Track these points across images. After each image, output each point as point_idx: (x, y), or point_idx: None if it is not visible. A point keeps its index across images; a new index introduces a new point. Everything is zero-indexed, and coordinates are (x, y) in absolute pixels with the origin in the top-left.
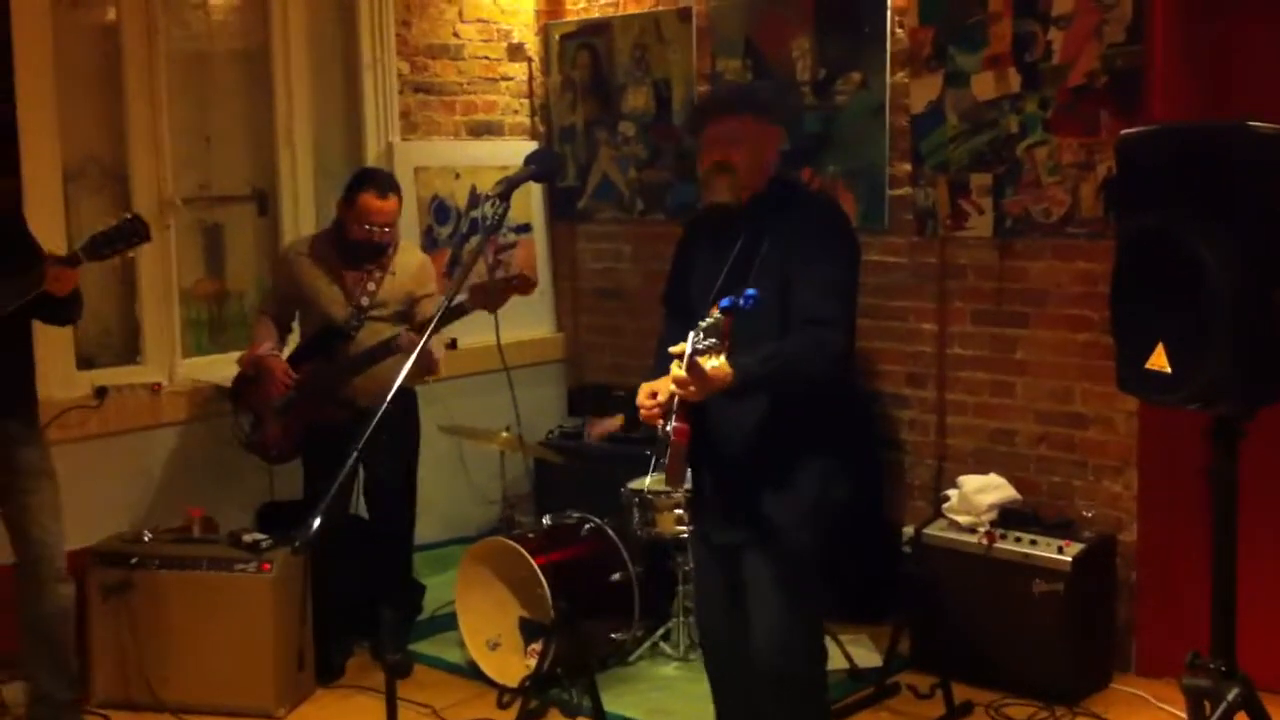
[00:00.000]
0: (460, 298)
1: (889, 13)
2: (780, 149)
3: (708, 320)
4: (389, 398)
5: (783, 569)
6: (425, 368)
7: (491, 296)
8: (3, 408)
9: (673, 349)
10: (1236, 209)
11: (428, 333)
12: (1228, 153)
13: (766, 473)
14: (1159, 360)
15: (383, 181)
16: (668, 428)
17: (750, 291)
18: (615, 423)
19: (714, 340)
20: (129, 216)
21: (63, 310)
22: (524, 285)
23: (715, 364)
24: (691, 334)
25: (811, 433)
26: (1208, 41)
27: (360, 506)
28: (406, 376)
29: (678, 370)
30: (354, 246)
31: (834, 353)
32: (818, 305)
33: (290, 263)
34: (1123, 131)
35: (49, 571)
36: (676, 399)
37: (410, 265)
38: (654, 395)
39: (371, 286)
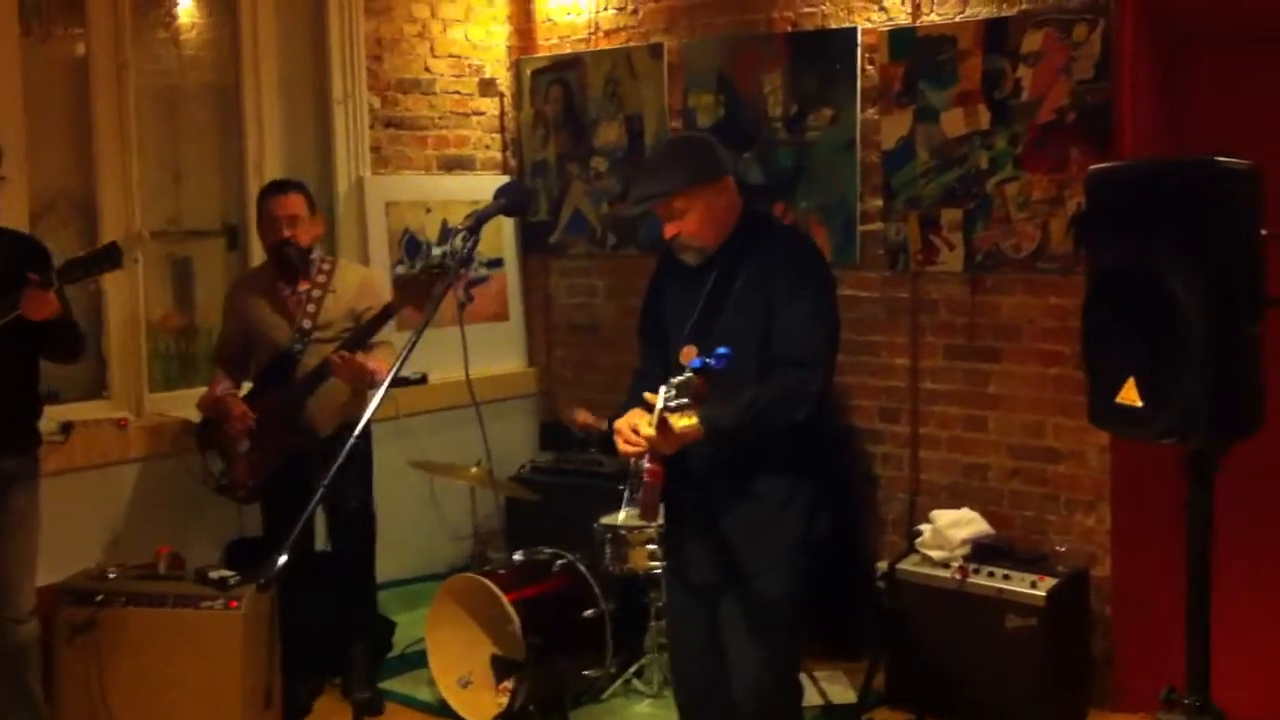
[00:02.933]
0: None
1: (860, 49)
2: (735, 190)
3: (679, 378)
4: (355, 434)
5: (764, 607)
6: (361, 381)
7: (419, 291)
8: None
9: (647, 395)
10: (1206, 243)
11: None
12: (1196, 187)
13: (745, 510)
14: (1130, 394)
15: (280, 182)
16: (643, 464)
17: (721, 350)
18: (600, 422)
19: (685, 400)
20: (109, 243)
21: (57, 341)
22: (457, 282)
23: (686, 423)
24: (663, 389)
25: (789, 468)
26: (1176, 77)
27: (325, 542)
28: (348, 391)
29: (647, 428)
30: (278, 257)
31: (813, 393)
32: (798, 343)
33: (234, 296)
34: (1092, 167)
35: (10, 614)
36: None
37: (350, 281)
38: (636, 430)
39: (312, 308)
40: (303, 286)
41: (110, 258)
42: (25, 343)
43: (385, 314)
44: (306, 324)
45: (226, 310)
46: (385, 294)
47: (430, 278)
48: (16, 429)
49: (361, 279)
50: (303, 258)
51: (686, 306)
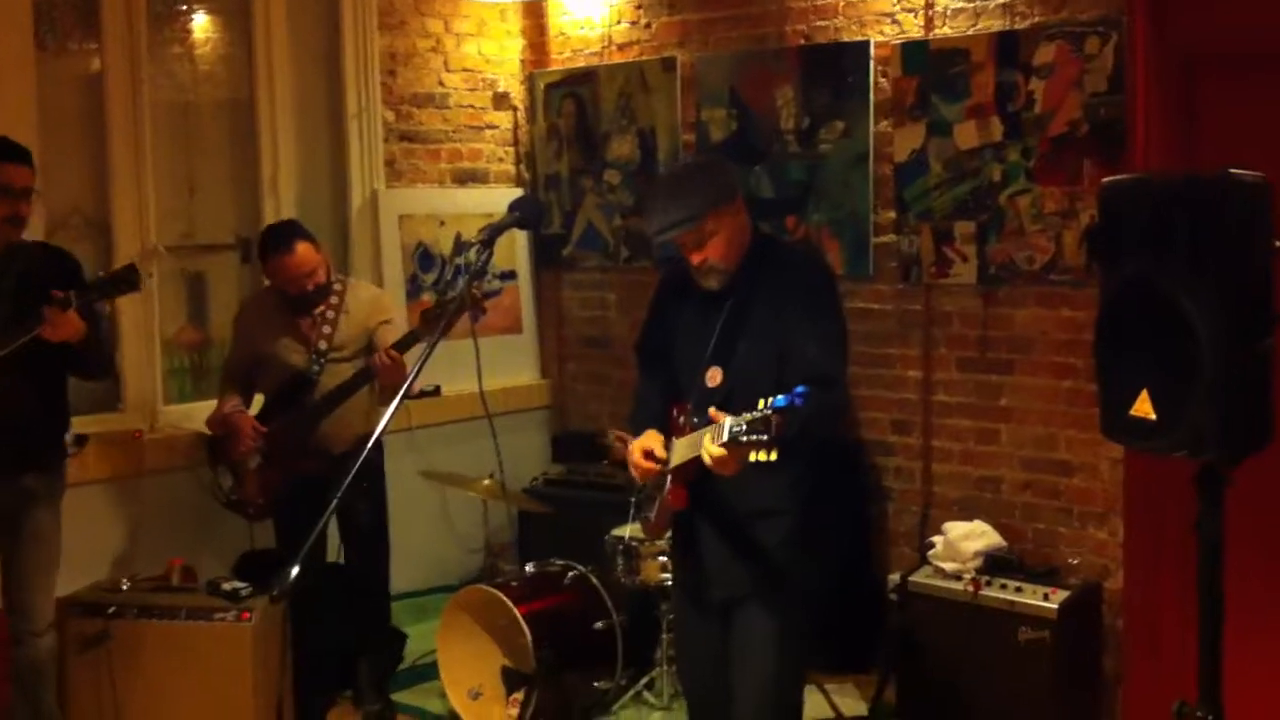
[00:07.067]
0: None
1: (872, 62)
2: (746, 211)
3: (754, 415)
4: (370, 443)
5: (776, 620)
6: (400, 382)
7: (442, 321)
8: (23, 462)
9: (714, 413)
10: (1219, 258)
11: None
12: (1210, 201)
13: (758, 524)
14: (1143, 407)
15: (280, 237)
16: (665, 489)
17: (800, 389)
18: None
19: (764, 436)
20: (127, 265)
21: (81, 360)
22: (474, 307)
23: (761, 457)
24: (730, 419)
25: (799, 487)
26: (1188, 91)
27: (339, 555)
28: (363, 411)
29: (714, 448)
30: (296, 300)
31: (844, 408)
32: (822, 362)
33: (245, 321)
34: (1105, 180)
35: (27, 627)
36: (681, 464)
37: (362, 301)
38: (649, 454)
39: (327, 329)
40: (316, 310)
41: (128, 280)
42: (51, 360)
43: (410, 340)
44: (323, 345)
45: (238, 330)
46: (395, 308)
47: (456, 309)
48: (41, 447)
49: (372, 297)
50: (323, 293)
51: (702, 330)
